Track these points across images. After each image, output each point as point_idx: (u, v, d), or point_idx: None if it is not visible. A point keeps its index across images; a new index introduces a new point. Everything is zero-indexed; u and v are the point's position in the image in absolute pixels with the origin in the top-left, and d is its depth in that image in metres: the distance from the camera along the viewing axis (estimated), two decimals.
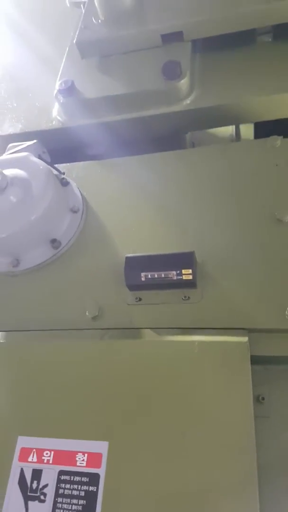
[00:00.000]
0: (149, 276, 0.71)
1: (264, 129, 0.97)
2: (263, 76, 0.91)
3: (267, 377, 0.67)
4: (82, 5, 1.20)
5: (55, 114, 1.04)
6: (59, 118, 1.03)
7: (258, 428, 0.61)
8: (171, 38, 0.96)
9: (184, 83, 0.91)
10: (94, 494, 0.55)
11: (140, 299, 0.73)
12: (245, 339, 0.62)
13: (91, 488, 0.55)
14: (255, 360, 0.64)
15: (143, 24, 0.98)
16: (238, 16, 0.90)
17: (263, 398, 0.65)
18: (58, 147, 1.00)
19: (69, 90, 0.98)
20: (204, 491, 0.54)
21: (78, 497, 0.56)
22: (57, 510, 0.56)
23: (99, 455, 0.57)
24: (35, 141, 0.91)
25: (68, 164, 0.98)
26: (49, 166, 0.86)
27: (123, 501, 0.55)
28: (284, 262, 0.69)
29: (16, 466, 0.59)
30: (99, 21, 1.02)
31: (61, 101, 0.99)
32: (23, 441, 0.61)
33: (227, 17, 0.91)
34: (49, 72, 1.14)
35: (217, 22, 0.92)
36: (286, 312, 0.65)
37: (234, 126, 1.21)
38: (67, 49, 1.12)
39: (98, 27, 1.02)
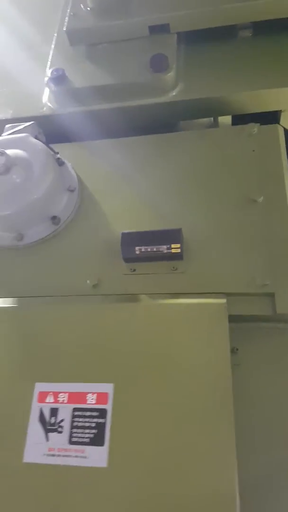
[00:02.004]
0: (143, 250, 0.82)
1: (241, 117, 1.08)
2: (244, 71, 1.01)
3: (240, 332, 0.81)
4: None
5: (45, 101, 1.10)
6: (49, 104, 1.09)
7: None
8: (158, 29, 1.04)
9: (170, 76, 1.00)
10: (103, 425, 0.68)
11: (134, 270, 0.85)
12: (223, 300, 0.76)
13: (100, 420, 0.68)
14: (231, 319, 0.78)
15: (131, 15, 1.05)
16: (222, 12, 1.00)
17: (236, 349, 0.80)
18: (48, 132, 1.07)
19: (60, 78, 1.05)
20: (184, 420, 0.68)
21: (90, 427, 0.68)
22: (73, 438, 0.68)
23: (105, 394, 0.70)
24: (32, 122, 0.98)
25: (58, 144, 1.04)
26: (46, 147, 0.93)
27: (126, 428, 0.68)
28: (256, 238, 0.83)
29: (35, 406, 0.71)
30: (88, 9, 1.08)
31: (52, 89, 1.06)
32: (40, 387, 0.72)
33: (212, 11, 1.00)
34: (34, 57, 1.20)
35: (203, 16, 1.01)
36: (256, 279, 0.79)
37: None
38: (55, 35, 1.17)
39: (87, 15, 1.08)
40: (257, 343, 0.81)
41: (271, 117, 1.06)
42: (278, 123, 1.05)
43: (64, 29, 1.07)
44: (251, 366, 0.79)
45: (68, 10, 1.10)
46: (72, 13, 1.09)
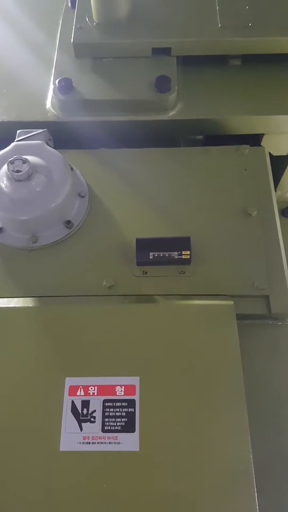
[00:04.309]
0: (156, 255, 0.91)
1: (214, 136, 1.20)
2: (233, 97, 1.14)
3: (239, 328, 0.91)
4: None
5: (49, 106, 1.14)
6: (53, 111, 1.13)
7: None
8: (160, 52, 1.14)
9: (172, 96, 1.09)
10: (133, 413, 0.74)
11: (146, 273, 0.92)
12: (231, 302, 0.87)
13: (130, 410, 0.75)
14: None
15: (136, 35, 1.13)
16: (218, 43, 1.12)
17: None
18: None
19: (68, 88, 1.09)
20: (202, 406, 0.77)
21: (120, 416, 0.74)
22: (105, 427, 0.74)
23: (133, 386, 0.76)
24: (45, 129, 1.02)
25: (60, 150, 1.08)
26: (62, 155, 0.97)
27: (153, 415, 0.75)
28: (253, 247, 0.95)
29: (67, 399, 0.75)
30: (94, 23, 1.14)
31: (59, 97, 1.10)
32: (70, 381, 0.77)
33: (210, 42, 1.12)
34: (37, 59, 1.22)
35: (201, 45, 1.12)
36: (255, 283, 0.91)
37: None
38: (57, 42, 1.21)
39: (93, 30, 1.14)
40: (252, 336, 0.92)
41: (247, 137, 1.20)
42: (260, 144, 1.20)
43: (72, 41, 1.12)
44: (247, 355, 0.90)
45: (74, 23, 1.14)
46: (78, 26, 1.14)
